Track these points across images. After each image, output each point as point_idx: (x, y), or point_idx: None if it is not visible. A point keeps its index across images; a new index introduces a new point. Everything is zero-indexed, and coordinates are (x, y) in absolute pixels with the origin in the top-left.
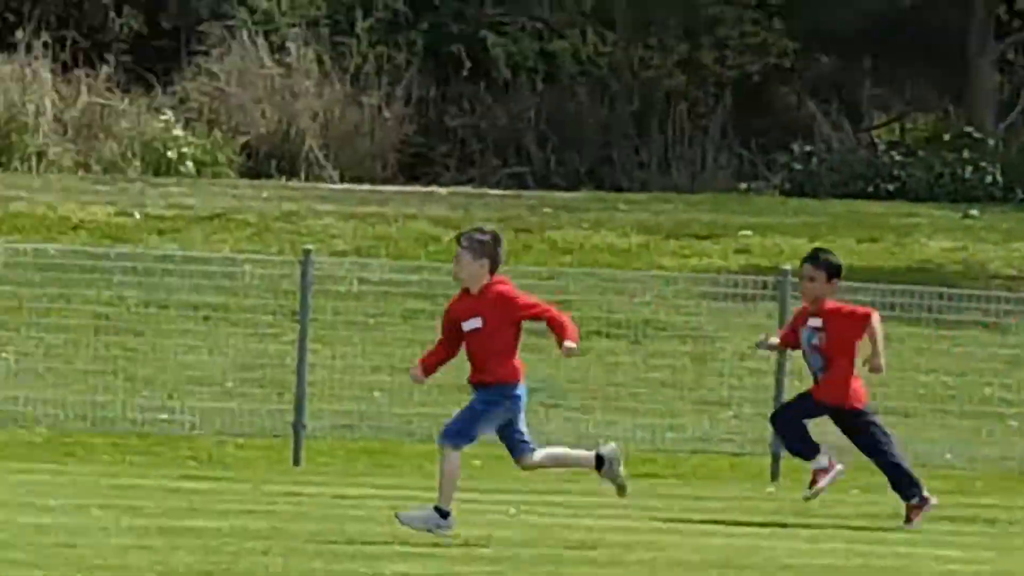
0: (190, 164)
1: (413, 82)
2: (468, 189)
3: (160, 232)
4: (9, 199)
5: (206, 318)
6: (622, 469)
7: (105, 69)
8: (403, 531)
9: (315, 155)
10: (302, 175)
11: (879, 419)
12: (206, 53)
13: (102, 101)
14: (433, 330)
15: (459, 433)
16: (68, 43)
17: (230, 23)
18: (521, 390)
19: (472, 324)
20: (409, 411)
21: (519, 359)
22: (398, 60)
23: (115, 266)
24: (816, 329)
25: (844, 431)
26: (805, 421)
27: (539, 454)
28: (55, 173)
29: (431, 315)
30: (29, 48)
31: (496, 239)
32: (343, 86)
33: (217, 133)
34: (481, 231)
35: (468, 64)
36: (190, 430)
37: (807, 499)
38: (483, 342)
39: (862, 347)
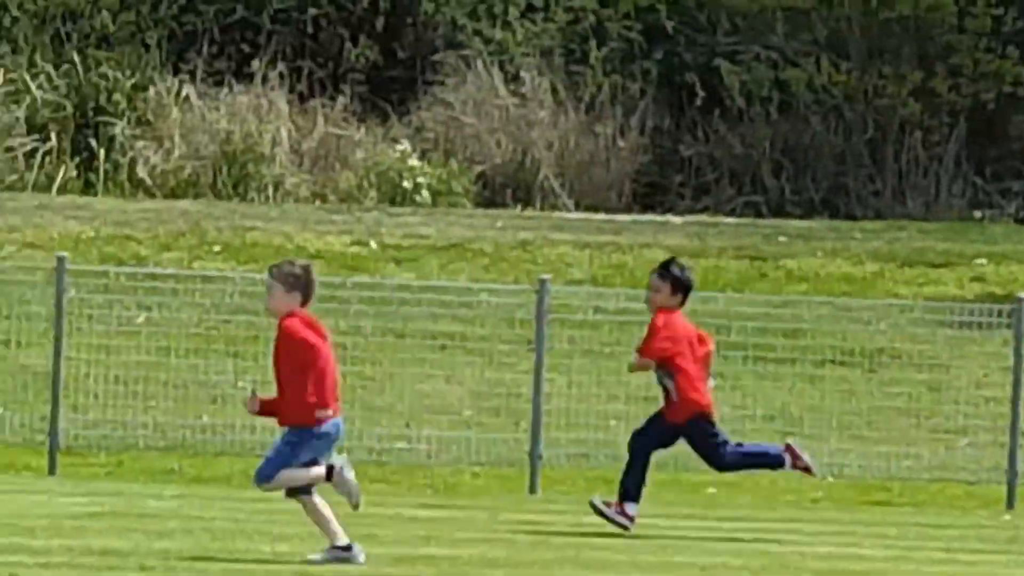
0: (425, 193)
1: (647, 111)
2: (703, 218)
3: (396, 261)
4: (246, 229)
5: (443, 347)
6: (352, 475)
7: (341, 99)
8: (642, 558)
9: (550, 184)
10: (537, 204)
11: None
12: (441, 83)
13: (338, 131)
14: None
15: (267, 476)
16: (304, 73)
17: (465, 53)
18: (326, 428)
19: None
20: None
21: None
22: (632, 90)
23: (352, 295)
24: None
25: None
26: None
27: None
28: (291, 203)
29: None
30: (265, 79)
31: (307, 271)
32: (577, 115)
33: (453, 163)
34: (291, 263)
35: (702, 93)
36: (427, 459)
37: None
38: (278, 377)
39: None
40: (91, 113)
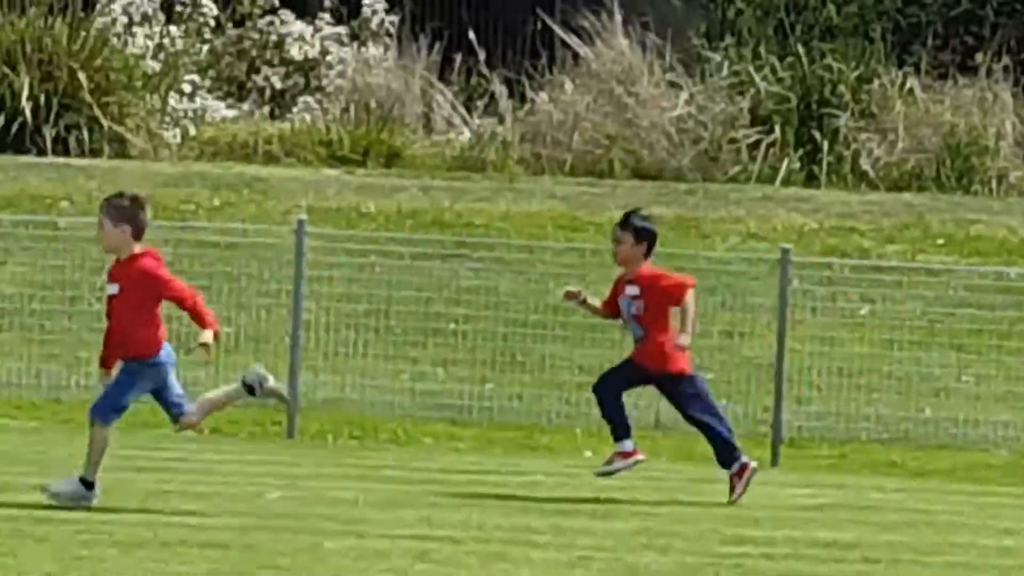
0: None
1: None
2: None
3: None
4: (969, 222)
5: None
6: (272, 381)
7: None
8: None
9: None
10: None
11: (704, 385)
12: None
13: None
14: None
15: (107, 409)
16: None
17: None
18: (162, 358)
19: (111, 290)
20: None
21: (161, 330)
22: None
23: None
24: (634, 297)
25: (667, 398)
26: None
27: (191, 407)
28: (1015, 196)
29: None
30: (990, 72)
31: (137, 202)
32: None
33: None
34: (120, 195)
35: None
36: None
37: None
38: (120, 311)
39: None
40: (815, 105)
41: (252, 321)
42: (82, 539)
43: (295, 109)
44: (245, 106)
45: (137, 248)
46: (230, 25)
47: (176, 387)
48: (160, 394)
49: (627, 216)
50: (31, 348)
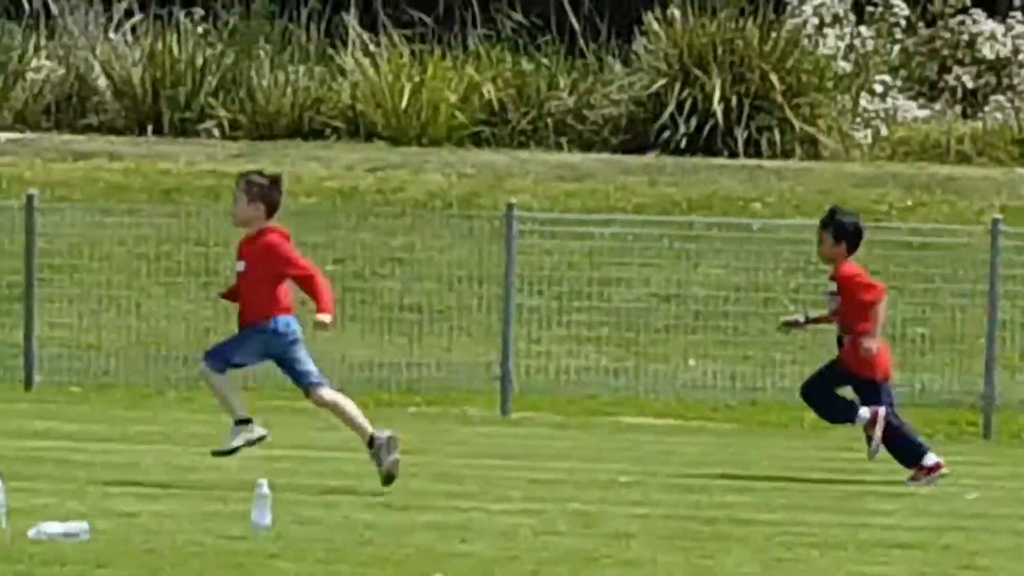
0: None
1: None
2: None
3: None
4: None
5: None
6: (394, 458)
7: None
8: None
9: None
10: None
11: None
12: None
13: None
14: None
15: (216, 355)
16: None
17: None
18: (282, 326)
19: (239, 266)
20: None
21: (286, 304)
22: None
23: None
24: (832, 294)
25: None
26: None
27: (330, 394)
28: None
29: None
30: None
31: (275, 183)
32: None
33: None
34: (260, 174)
35: None
36: None
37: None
38: (247, 285)
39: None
40: None
41: (946, 321)
42: (782, 540)
43: (987, 108)
44: (937, 106)
45: (266, 225)
46: (921, 25)
47: (301, 361)
48: (284, 366)
49: (828, 214)
50: (725, 350)
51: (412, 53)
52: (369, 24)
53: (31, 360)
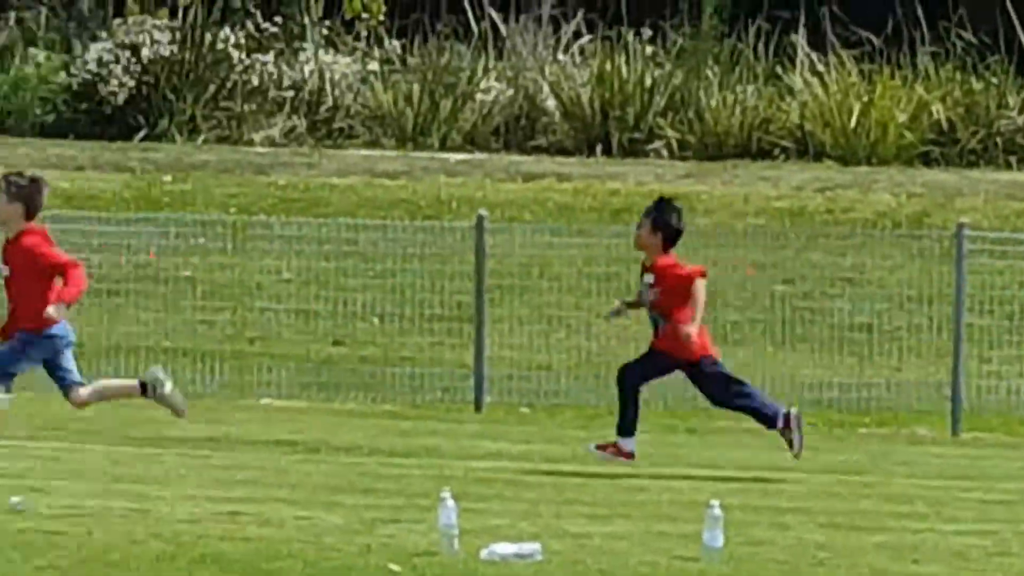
0: None
1: None
2: None
3: None
4: None
5: None
6: (169, 388)
7: None
8: None
9: None
10: None
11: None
12: None
13: None
14: None
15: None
16: None
17: None
18: (54, 331)
19: (4, 271)
20: None
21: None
22: None
23: None
24: (650, 286)
25: (693, 383)
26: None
27: (85, 390)
28: None
29: None
30: None
31: (35, 183)
32: None
33: None
34: (20, 175)
35: None
36: None
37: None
38: (17, 290)
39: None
40: None
41: None
42: None
43: None
44: None
45: (25, 227)
46: None
47: (66, 363)
48: (49, 369)
49: (652, 205)
50: None
51: (860, 72)
52: (817, 44)
53: (481, 381)
